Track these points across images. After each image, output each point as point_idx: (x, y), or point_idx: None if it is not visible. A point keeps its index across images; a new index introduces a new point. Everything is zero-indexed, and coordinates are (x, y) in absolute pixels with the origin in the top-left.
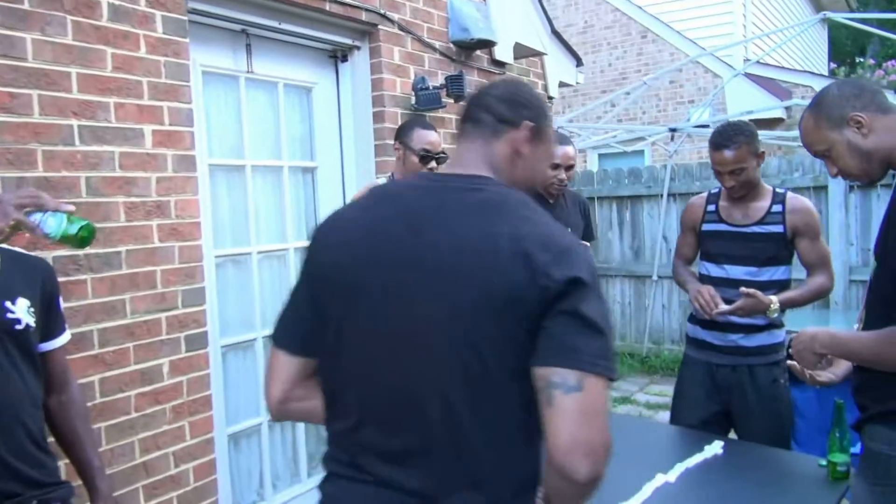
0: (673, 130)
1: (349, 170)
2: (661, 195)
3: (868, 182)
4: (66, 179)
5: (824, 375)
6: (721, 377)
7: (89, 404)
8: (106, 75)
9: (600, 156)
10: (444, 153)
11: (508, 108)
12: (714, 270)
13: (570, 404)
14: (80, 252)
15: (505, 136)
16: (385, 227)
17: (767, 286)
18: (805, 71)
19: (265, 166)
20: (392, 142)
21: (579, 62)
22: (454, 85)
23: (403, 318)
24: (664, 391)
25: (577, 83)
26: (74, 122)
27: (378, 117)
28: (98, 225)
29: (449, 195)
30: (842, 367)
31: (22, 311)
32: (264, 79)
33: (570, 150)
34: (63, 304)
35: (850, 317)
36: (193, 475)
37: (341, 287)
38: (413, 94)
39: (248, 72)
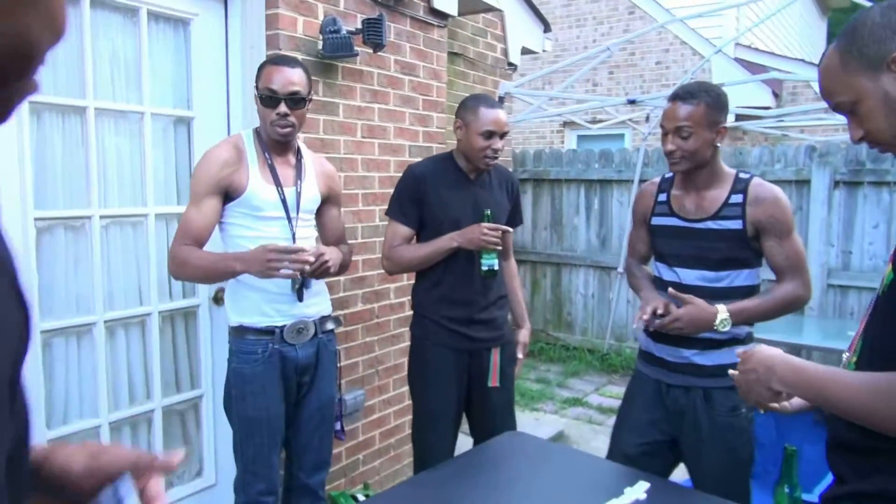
0: (632, 102)
1: (235, 122)
2: (633, 181)
3: None
4: None
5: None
6: (671, 400)
7: None
8: None
9: (579, 137)
10: (299, 95)
11: None
12: (666, 273)
13: None
14: None
15: None
16: None
17: (728, 294)
18: (799, 59)
19: (117, 111)
20: None
21: (547, 28)
22: (371, 31)
23: None
24: (620, 394)
25: (544, 50)
26: None
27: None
28: None
29: None
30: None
31: None
32: (117, 2)
33: (501, 114)
34: None
35: (825, 326)
36: None
37: None
38: (320, 37)
39: None
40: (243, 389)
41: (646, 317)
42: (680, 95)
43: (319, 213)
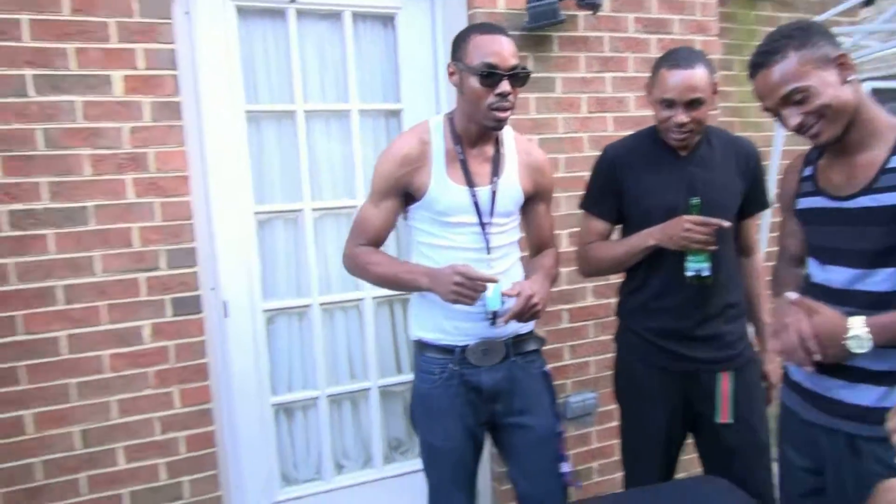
0: None
1: (446, 109)
2: None
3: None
4: (19, 132)
5: None
6: (812, 440)
7: (54, 360)
8: (62, 19)
9: (874, 92)
10: (520, 68)
11: None
12: (817, 273)
13: None
14: (39, 206)
15: None
16: None
17: (890, 301)
18: None
19: (326, 111)
20: None
21: None
22: None
23: None
24: None
25: None
26: (28, 72)
27: None
28: (59, 179)
29: None
30: None
31: None
32: (321, 8)
33: (689, 76)
34: (20, 259)
35: None
36: (186, 445)
37: None
38: (525, 10)
39: (292, 1)
40: (423, 411)
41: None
42: (759, 62)
43: (524, 210)
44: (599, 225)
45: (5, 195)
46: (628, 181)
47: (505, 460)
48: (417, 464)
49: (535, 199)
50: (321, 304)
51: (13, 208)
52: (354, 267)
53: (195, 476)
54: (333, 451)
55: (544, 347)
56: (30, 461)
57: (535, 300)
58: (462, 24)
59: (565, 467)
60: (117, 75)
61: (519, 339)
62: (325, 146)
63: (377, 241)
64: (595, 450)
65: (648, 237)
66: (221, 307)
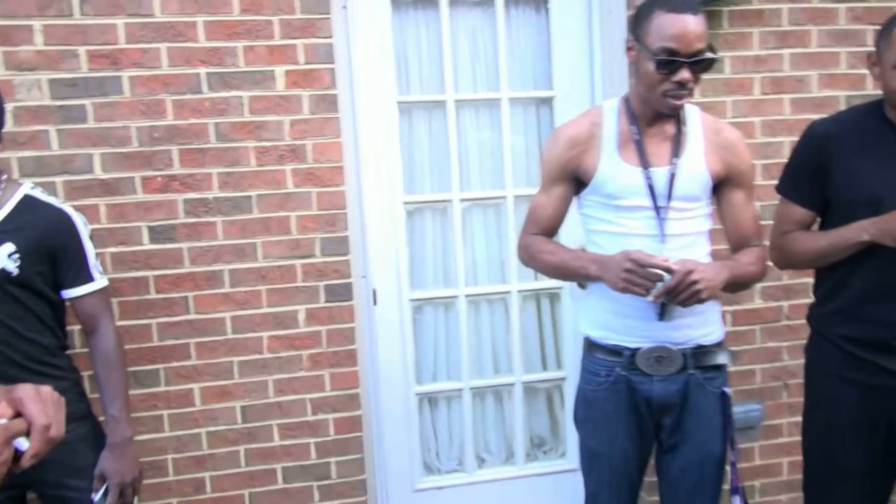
0: None
1: (601, 95)
2: None
3: None
4: (194, 126)
5: None
6: None
7: (221, 339)
8: (232, 19)
9: None
10: (707, 51)
11: None
12: None
13: None
14: (210, 195)
15: None
16: None
17: None
18: None
19: (476, 100)
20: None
21: None
22: None
23: None
24: None
25: None
26: (202, 70)
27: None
28: (227, 170)
29: None
30: None
31: (2, 256)
32: None
33: None
34: (193, 244)
35: None
36: (333, 426)
37: None
38: None
39: None
40: (585, 413)
41: None
42: None
43: (717, 199)
44: (799, 212)
45: (182, 185)
46: (836, 164)
47: (658, 482)
48: (561, 464)
49: (728, 185)
50: (467, 296)
51: (188, 197)
52: (527, 257)
53: (342, 458)
54: (475, 444)
55: None
56: (197, 431)
57: (693, 278)
58: (621, 7)
59: (736, 502)
60: (280, 70)
61: (701, 351)
62: (474, 136)
63: (550, 231)
64: (759, 467)
65: (861, 231)
66: (371, 295)
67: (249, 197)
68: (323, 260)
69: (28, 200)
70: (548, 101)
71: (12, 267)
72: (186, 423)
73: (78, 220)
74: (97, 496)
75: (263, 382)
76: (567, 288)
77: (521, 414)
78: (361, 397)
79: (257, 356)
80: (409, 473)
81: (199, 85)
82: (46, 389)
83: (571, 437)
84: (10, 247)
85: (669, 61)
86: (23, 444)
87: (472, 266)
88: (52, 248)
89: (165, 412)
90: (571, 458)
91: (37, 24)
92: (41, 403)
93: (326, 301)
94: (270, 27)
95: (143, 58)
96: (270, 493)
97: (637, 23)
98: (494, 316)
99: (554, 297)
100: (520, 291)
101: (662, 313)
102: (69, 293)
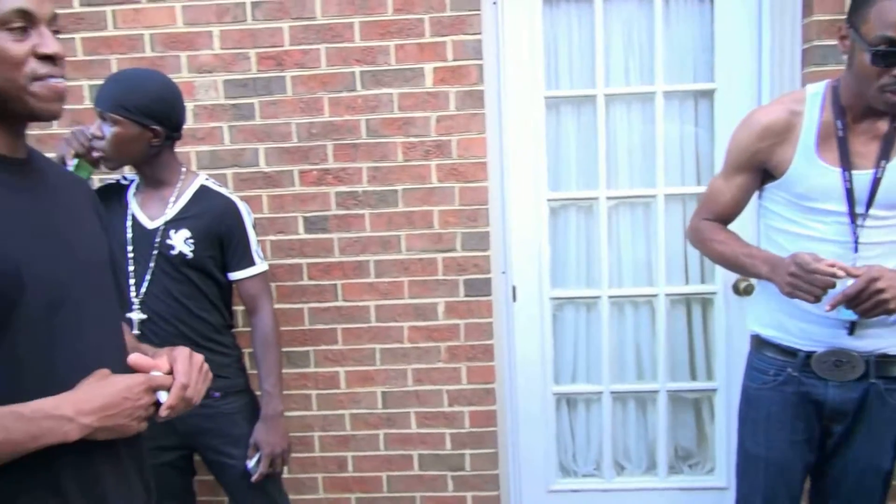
0: None
1: (766, 89)
2: None
3: None
4: (348, 122)
5: None
6: None
7: (364, 326)
8: (386, 19)
9: None
10: None
11: None
12: None
13: None
14: (359, 188)
15: None
16: None
17: None
18: None
19: (628, 94)
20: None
21: None
22: None
23: None
24: None
25: None
26: (356, 69)
27: (807, 7)
28: (376, 164)
29: None
30: None
31: (179, 240)
32: None
33: None
34: (343, 234)
35: None
36: (469, 419)
37: None
38: None
39: None
40: (747, 412)
41: None
42: None
43: None
44: None
45: (335, 178)
46: None
47: (810, 488)
48: (708, 480)
49: None
50: (610, 297)
51: (339, 190)
52: (697, 241)
53: (476, 451)
54: (614, 450)
55: None
56: (341, 412)
57: (879, 286)
58: None
59: None
60: (428, 67)
61: (886, 360)
62: (624, 132)
63: (725, 218)
64: None
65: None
66: (510, 291)
67: (395, 191)
68: (463, 254)
69: (203, 190)
70: (708, 94)
71: (188, 251)
72: (332, 404)
73: (243, 209)
74: (251, 463)
75: (403, 371)
76: (721, 294)
77: (665, 423)
78: (497, 393)
79: (398, 345)
80: (543, 473)
81: (353, 83)
82: (199, 357)
83: (721, 452)
84: (186, 232)
85: (890, 52)
86: (162, 396)
87: (616, 266)
88: (220, 233)
89: (314, 392)
90: (720, 475)
91: (215, 29)
92: (189, 366)
93: (466, 295)
94: (421, 25)
95: (305, 58)
96: (407, 478)
97: (854, 8)
98: (639, 319)
99: (707, 302)
100: (668, 295)
101: (852, 329)
102: (234, 275)
